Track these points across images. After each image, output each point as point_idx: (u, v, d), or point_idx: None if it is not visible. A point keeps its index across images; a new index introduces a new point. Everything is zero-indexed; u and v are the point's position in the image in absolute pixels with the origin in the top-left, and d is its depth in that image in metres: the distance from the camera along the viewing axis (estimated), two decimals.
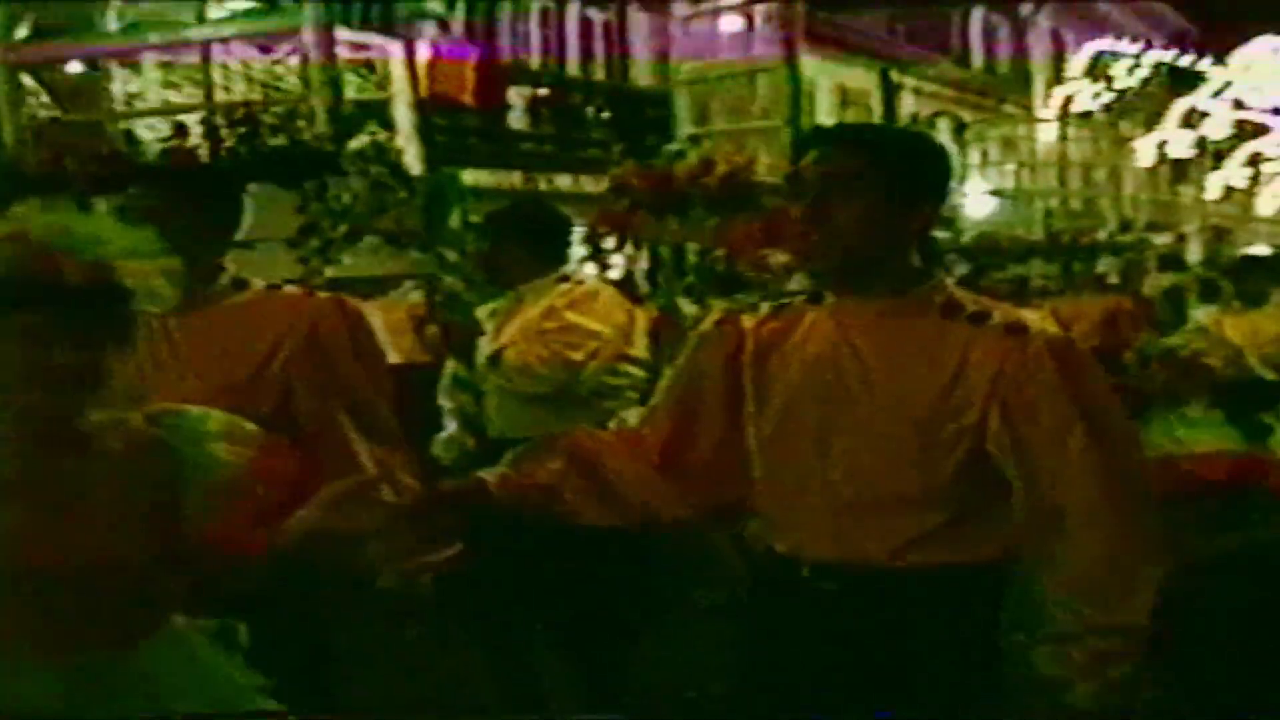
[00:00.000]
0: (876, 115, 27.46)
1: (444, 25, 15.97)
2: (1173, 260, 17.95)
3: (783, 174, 7.65)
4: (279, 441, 2.64)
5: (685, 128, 15.41)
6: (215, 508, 2.47)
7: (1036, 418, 2.67)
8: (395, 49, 13.12)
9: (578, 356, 4.88)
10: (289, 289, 3.74)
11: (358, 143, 11.53)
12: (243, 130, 11.34)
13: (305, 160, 11.30)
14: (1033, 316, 2.98)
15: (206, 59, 13.01)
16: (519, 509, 3.00)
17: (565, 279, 5.15)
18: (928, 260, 2.86)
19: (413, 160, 12.51)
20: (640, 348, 4.94)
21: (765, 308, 3.02)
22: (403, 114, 12.80)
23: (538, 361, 4.86)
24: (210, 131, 11.56)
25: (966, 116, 27.78)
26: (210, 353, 3.20)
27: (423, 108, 13.15)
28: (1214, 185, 29.90)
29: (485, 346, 5.04)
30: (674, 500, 3.07)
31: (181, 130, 11.52)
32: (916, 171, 2.83)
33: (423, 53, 13.91)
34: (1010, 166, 26.18)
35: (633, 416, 3.86)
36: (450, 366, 5.28)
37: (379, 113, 12.58)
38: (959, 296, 2.83)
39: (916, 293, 2.81)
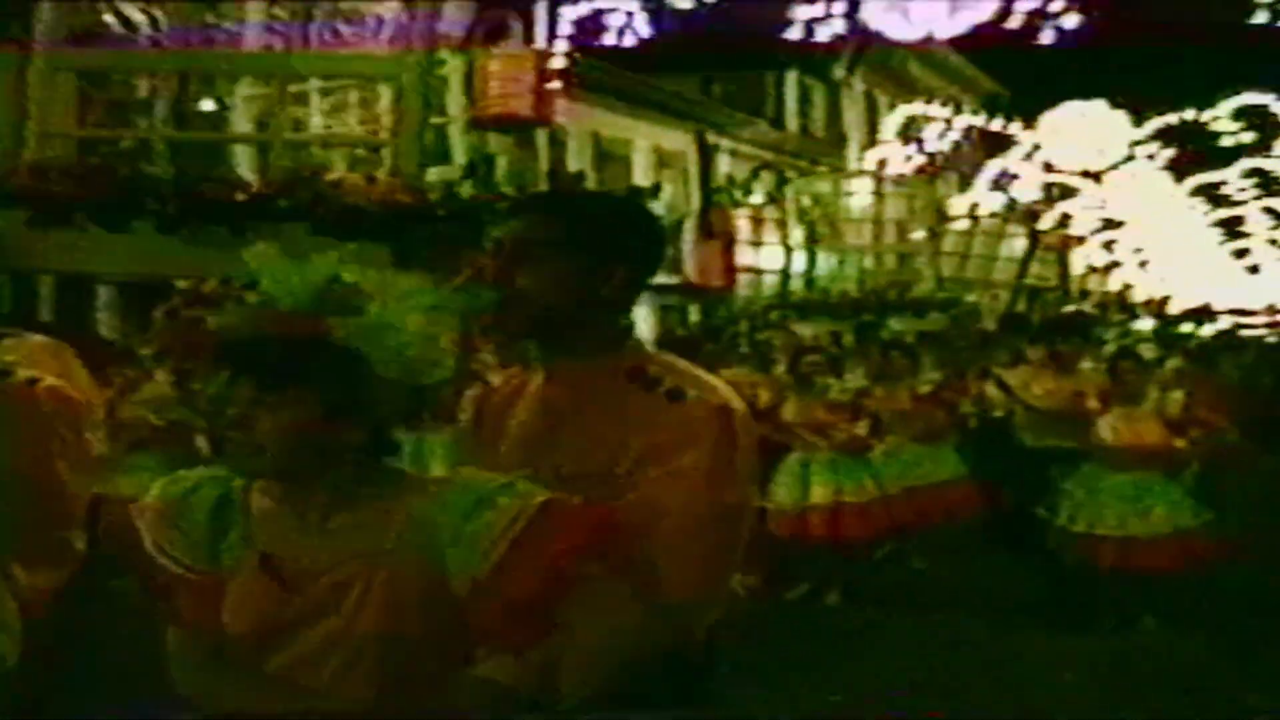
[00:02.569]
0: (693, 176, 27.57)
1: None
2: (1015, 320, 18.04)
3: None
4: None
5: None
6: None
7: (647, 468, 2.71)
8: None
9: None
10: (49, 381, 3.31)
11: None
12: None
13: None
14: (717, 383, 2.89)
15: None
16: None
17: None
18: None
19: None
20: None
21: (517, 368, 3.13)
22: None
23: None
24: None
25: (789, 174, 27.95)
26: None
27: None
28: (1021, 246, 30.34)
29: None
30: None
31: None
32: (609, 236, 2.90)
33: None
34: (829, 224, 26.26)
35: None
36: None
37: None
38: (649, 362, 2.89)
39: (609, 357, 2.88)
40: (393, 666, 2.41)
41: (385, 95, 9.74)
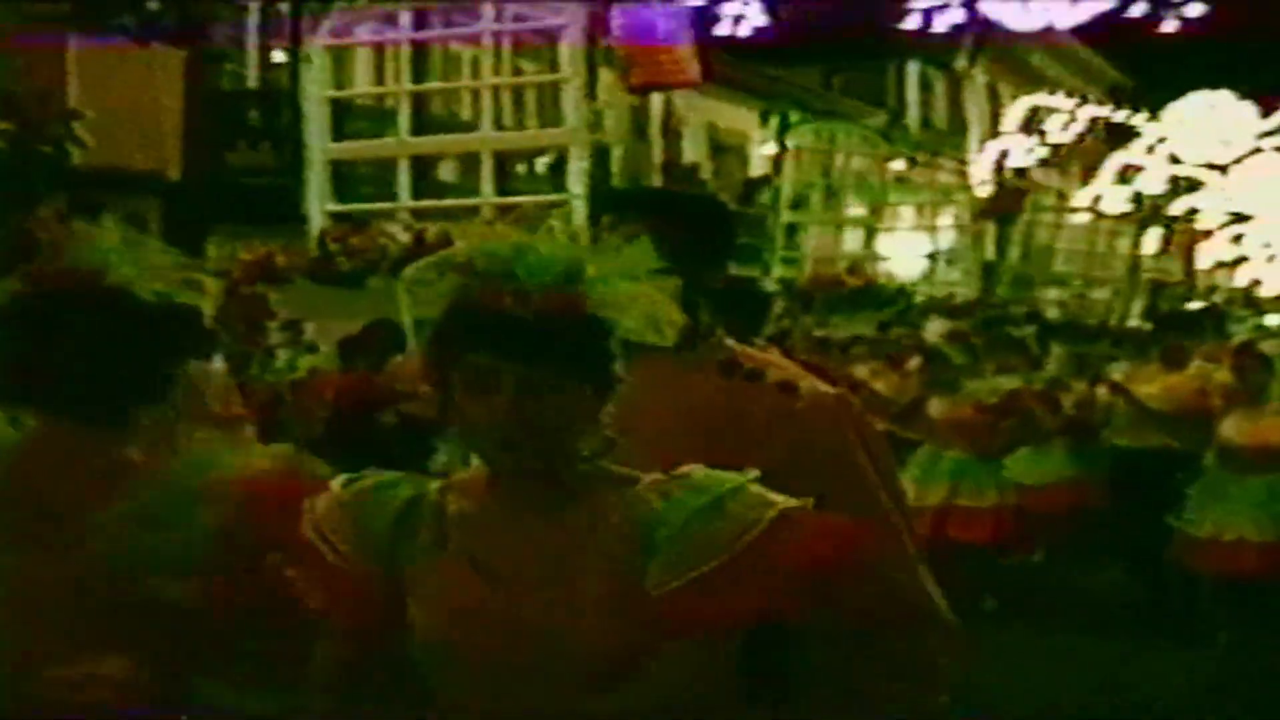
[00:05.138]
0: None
1: None
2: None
3: None
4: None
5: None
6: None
7: (788, 472, 2.51)
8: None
9: None
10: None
11: None
12: None
13: None
14: (805, 371, 2.93)
15: None
16: None
17: None
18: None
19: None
20: None
21: None
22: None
23: None
24: None
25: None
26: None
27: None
28: (1150, 239, 29.91)
29: None
30: None
31: None
32: (704, 232, 2.92)
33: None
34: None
35: None
36: None
37: None
38: (740, 354, 2.90)
39: (699, 351, 2.82)
40: (594, 673, 2.21)
41: None
